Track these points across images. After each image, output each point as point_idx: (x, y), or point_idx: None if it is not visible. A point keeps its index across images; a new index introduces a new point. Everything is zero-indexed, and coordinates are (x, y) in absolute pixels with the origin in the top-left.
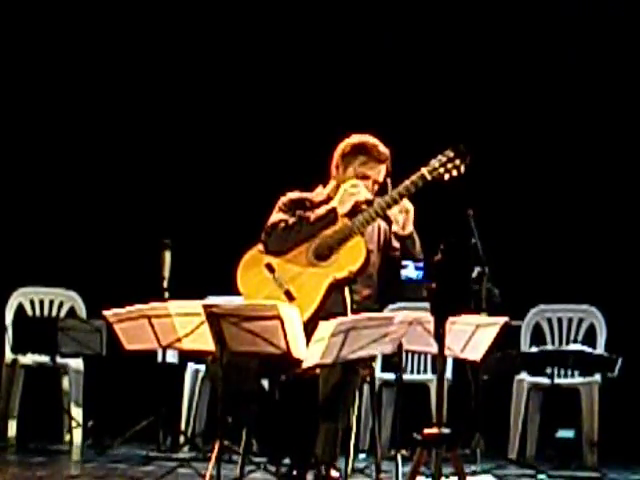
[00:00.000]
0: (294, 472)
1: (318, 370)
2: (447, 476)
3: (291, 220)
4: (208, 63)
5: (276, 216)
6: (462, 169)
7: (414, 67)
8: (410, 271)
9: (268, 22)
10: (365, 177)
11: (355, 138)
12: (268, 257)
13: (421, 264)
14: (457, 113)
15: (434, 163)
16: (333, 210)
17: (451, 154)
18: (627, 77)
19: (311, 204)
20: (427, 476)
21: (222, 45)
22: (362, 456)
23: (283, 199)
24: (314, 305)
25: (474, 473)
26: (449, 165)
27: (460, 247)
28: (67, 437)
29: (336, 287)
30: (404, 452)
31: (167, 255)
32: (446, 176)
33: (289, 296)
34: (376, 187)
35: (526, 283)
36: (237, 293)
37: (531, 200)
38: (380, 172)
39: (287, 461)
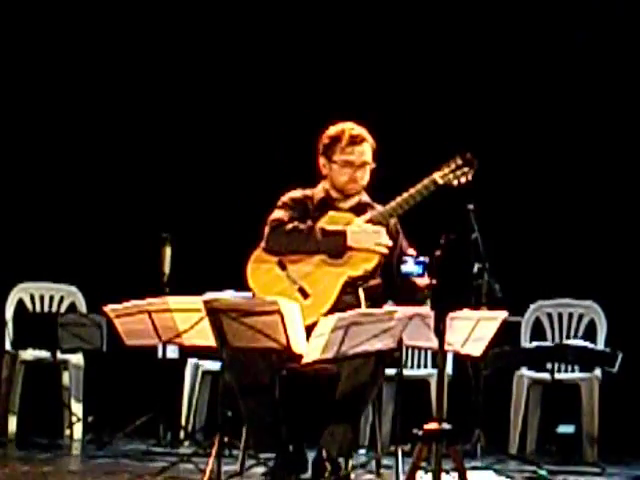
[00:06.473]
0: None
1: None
2: (447, 471)
3: (301, 226)
4: (209, 57)
5: (279, 214)
6: (469, 177)
7: (414, 65)
8: (410, 266)
9: (271, 20)
10: (349, 163)
11: (330, 129)
12: (273, 255)
13: (421, 258)
14: (457, 108)
15: (445, 169)
16: (343, 234)
17: (460, 161)
18: (626, 75)
19: (312, 203)
20: (427, 471)
21: (225, 39)
22: (362, 451)
23: (285, 198)
24: (330, 302)
25: (474, 468)
26: (458, 172)
27: (461, 242)
28: (67, 432)
29: (350, 285)
30: (404, 447)
31: (167, 250)
32: (455, 182)
33: (303, 293)
34: (368, 169)
35: (526, 278)
36: (238, 288)
37: (532, 195)
38: (363, 153)
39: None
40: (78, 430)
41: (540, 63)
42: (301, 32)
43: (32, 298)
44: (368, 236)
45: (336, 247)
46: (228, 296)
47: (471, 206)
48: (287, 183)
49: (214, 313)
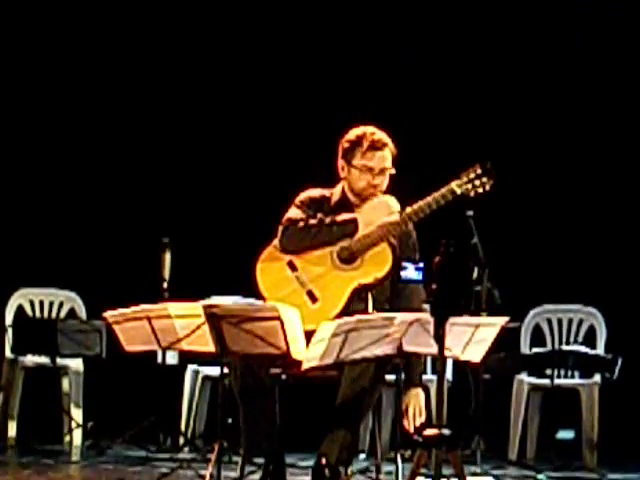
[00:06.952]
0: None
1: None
2: (447, 477)
3: (312, 221)
4: (207, 60)
5: (294, 212)
6: (487, 187)
7: (412, 74)
8: (410, 272)
9: (283, 20)
10: (369, 169)
11: (350, 133)
12: (287, 255)
13: (421, 265)
14: (459, 114)
15: (463, 178)
16: (354, 221)
17: (479, 171)
18: (625, 78)
19: (328, 205)
20: (427, 477)
21: (223, 42)
22: (362, 457)
23: (302, 196)
24: (338, 308)
25: (474, 474)
26: (477, 182)
27: (460, 248)
28: (67, 438)
29: (359, 292)
30: (404, 453)
31: (167, 255)
32: (472, 193)
33: (311, 297)
34: (388, 175)
35: (526, 284)
36: (240, 293)
37: (531, 201)
38: (383, 159)
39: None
40: (78, 436)
41: (540, 69)
42: (325, 35)
43: (32, 304)
44: (375, 210)
45: (348, 232)
46: (230, 301)
47: (471, 212)
48: (287, 186)
49: (214, 319)
